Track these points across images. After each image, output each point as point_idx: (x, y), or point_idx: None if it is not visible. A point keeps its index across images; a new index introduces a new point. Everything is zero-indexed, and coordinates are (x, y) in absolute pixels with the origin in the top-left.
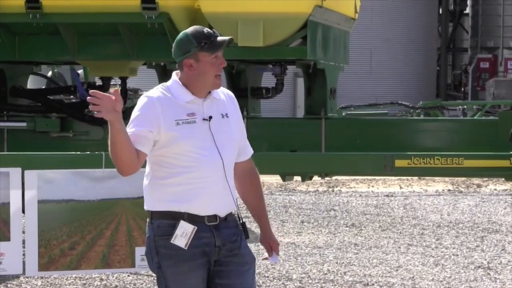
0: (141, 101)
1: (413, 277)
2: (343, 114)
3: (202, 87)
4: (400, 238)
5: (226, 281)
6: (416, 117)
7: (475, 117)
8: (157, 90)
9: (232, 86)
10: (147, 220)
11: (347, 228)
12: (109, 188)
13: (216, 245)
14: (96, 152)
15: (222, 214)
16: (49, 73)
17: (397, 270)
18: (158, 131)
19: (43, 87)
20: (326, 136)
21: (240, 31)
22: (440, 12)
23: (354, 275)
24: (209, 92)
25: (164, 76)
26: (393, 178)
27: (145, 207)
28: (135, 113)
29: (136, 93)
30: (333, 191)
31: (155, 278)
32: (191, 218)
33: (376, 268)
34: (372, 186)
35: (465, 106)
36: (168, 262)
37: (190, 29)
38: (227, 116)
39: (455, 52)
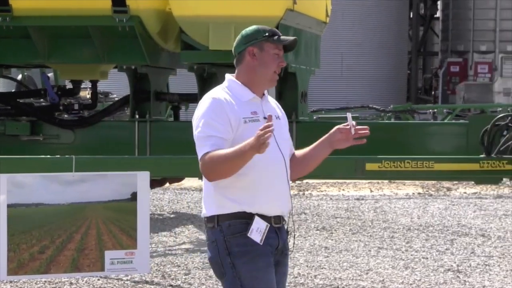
0: (207, 103)
1: (383, 280)
2: (314, 117)
3: (260, 81)
4: (371, 242)
5: None
6: (387, 121)
7: (445, 121)
8: (219, 91)
9: (202, 89)
10: (209, 225)
11: (318, 232)
12: (79, 191)
13: (278, 247)
14: (67, 156)
15: (285, 214)
16: (19, 77)
17: (367, 273)
18: (231, 131)
19: (13, 91)
20: (297, 140)
21: (211, 34)
22: (411, 16)
23: (325, 278)
24: (263, 94)
25: (135, 79)
26: (364, 181)
27: (208, 213)
28: (207, 116)
29: (107, 96)
30: (304, 194)
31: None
32: (262, 218)
33: (347, 272)
34: (343, 190)
35: (435, 110)
36: (243, 259)
37: (257, 25)
38: (279, 118)
39: (426, 56)
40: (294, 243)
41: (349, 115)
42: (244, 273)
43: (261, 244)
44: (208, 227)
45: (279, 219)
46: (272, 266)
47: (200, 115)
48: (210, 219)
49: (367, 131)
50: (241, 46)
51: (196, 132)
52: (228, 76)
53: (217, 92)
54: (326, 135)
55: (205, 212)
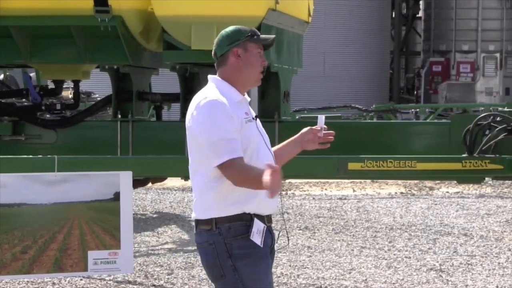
0: (210, 106)
1: (366, 279)
2: (297, 117)
3: (246, 81)
4: (353, 241)
5: None
6: (369, 120)
7: (428, 120)
8: (214, 92)
9: (185, 89)
10: (204, 228)
11: (301, 231)
12: (62, 192)
13: (271, 246)
14: (49, 156)
15: (274, 213)
16: (1, 76)
17: (350, 273)
18: (238, 131)
19: None
20: (279, 139)
21: (193, 34)
22: (393, 15)
23: (308, 278)
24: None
25: (117, 79)
26: (346, 181)
27: (203, 216)
28: (216, 119)
29: (89, 96)
30: (286, 194)
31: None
32: (258, 218)
33: (329, 271)
34: (326, 189)
35: (417, 109)
36: (245, 261)
37: (235, 26)
38: (257, 118)
39: (408, 56)
40: (288, 239)
41: (321, 117)
42: (246, 276)
43: (262, 246)
44: (203, 229)
45: (270, 218)
46: (270, 267)
47: (206, 119)
48: (206, 221)
49: (332, 136)
50: (224, 47)
51: (207, 136)
52: (214, 77)
53: (215, 94)
54: (298, 134)
55: (199, 214)
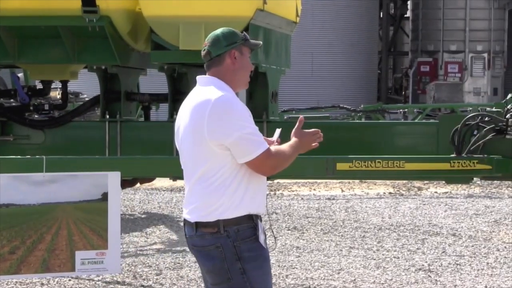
0: (231, 103)
1: (354, 280)
2: (285, 117)
3: (237, 83)
4: (342, 241)
5: None
6: (357, 121)
7: (416, 121)
8: (222, 90)
9: (173, 89)
10: (209, 230)
11: (289, 231)
12: (50, 192)
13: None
14: (37, 156)
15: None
16: None
17: (338, 273)
18: None
19: None
20: None
21: (181, 34)
22: (381, 15)
23: (296, 278)
24: None
25: (105, 79)
26: (335, 181)
27: (209, 218)
28: (241, 115)
29: (77, 96)
30: (275, 194)
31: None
32: (258, 219)
33: (318, 271)
34: (314, 190)
35: (405, 110)
36: (253, 264)
37: (227, 27)
38: None
39: (396, 56)
40: (276, 240)
41: (278, 130)
42: (254, 278)
43: (266, 247)
44: (207, 232)
45: (261, 218)
46: (271, 268)
47: (229, 116)
48: (211, 224)
49: None
50: (222, 48)
51: (235, 133)
52: (210, 77)
53: (222, 93)
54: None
55: (201, 217)
